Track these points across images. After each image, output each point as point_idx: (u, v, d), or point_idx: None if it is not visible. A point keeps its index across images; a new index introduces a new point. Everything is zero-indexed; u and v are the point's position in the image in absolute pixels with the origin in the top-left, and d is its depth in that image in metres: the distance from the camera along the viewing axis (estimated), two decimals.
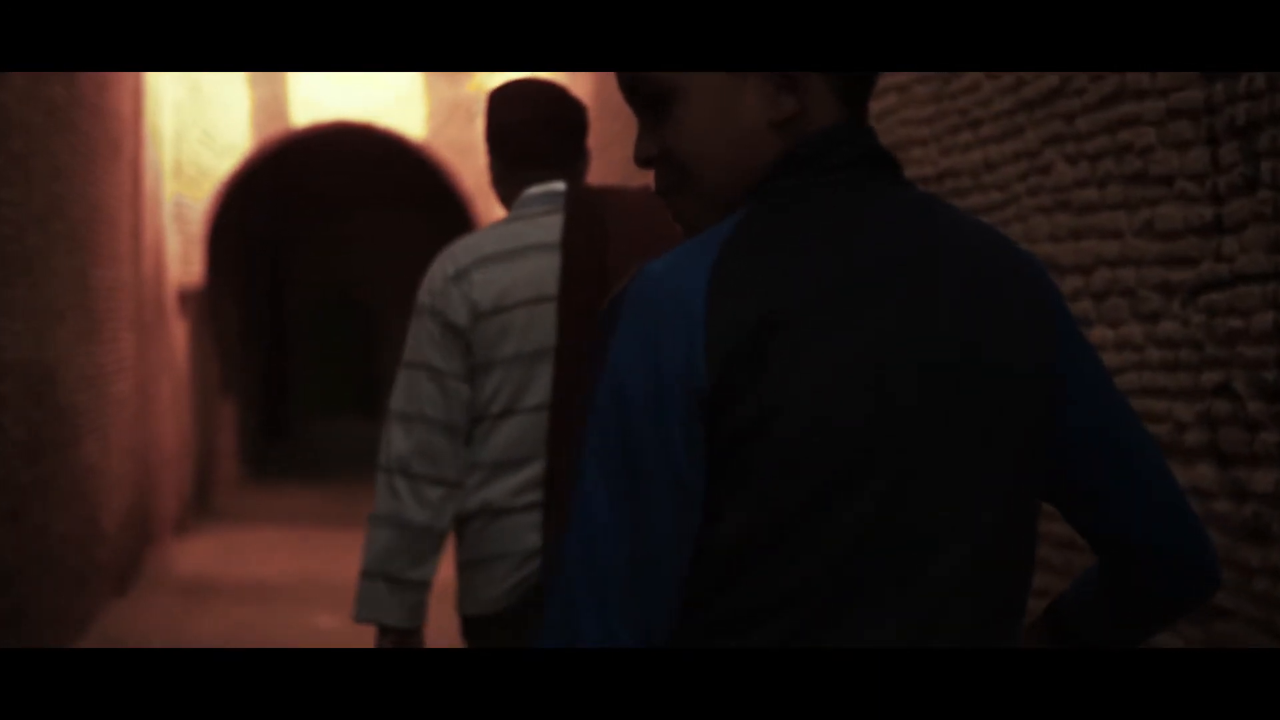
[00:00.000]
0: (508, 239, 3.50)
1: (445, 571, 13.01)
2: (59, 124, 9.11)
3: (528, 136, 3.56)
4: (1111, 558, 1.85)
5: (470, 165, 15.84)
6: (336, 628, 10.34)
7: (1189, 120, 4.45)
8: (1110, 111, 4.90)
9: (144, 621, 10.56)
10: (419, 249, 26.32)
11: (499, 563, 3.45)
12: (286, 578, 12.65)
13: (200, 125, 15.37)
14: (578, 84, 14.70)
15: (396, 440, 3.48)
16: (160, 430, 13.89)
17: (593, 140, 14.16)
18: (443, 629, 10.40)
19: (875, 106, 6.77)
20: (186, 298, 15.77)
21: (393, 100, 15.72)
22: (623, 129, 12.71)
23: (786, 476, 1.61)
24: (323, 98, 15.64)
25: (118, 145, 11.51)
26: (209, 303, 17.94)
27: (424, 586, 3.53)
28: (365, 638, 10.00)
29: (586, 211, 3.41)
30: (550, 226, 3.51)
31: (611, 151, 13.22)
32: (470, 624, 3.50)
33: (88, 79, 10.15)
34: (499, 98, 3.60)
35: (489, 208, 15.95)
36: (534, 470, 3.45)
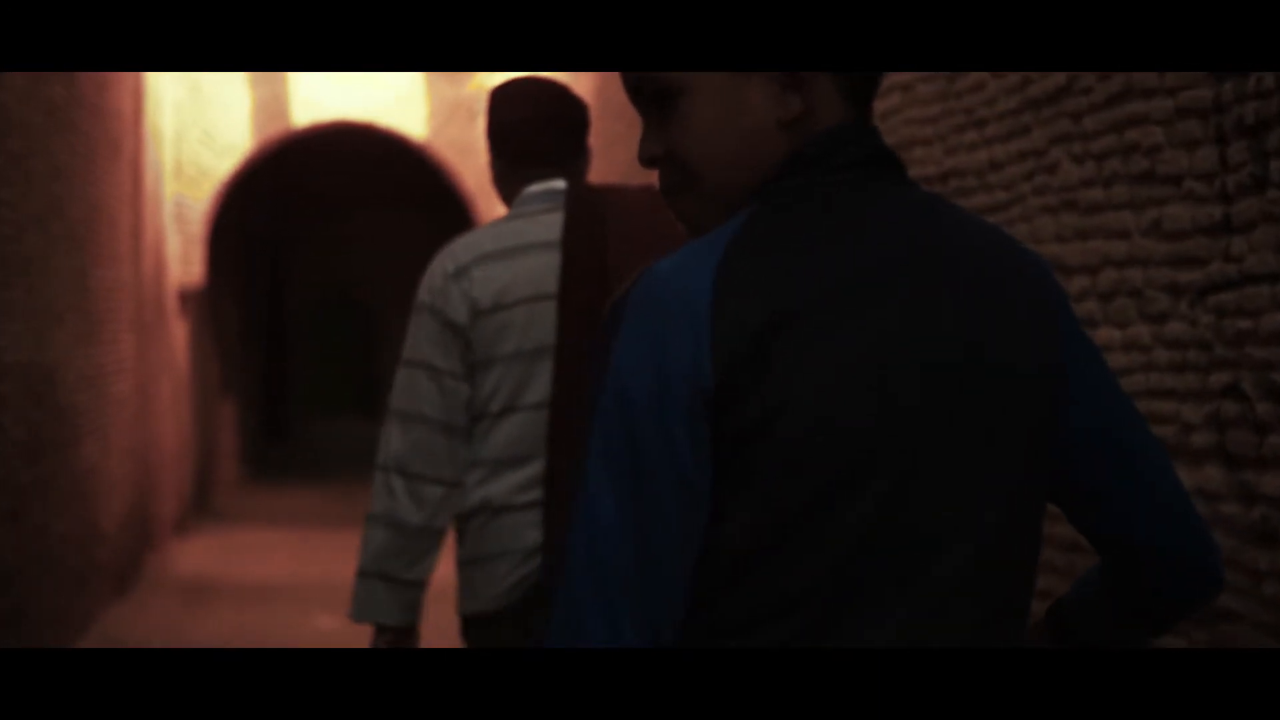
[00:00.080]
0: (508, 237, 3.51)
1: (444, 571, 13.00)
2: (59, 124, 9.09)
3: (528, 135, 3.57)
4: (1114, 558, 1.85)
5: (471, 165, 15.82)
6: (336, 628, 10.33)
7: (1197, 119, 4.43)
8: (1117, 110, 4.87)
9: (144, 622, 10.54)
10: (419, 249, 26.31)
11: (500, 561, 3.45)
12: (287, 578, 12.64)
13: (200, 125, 15.35)
14: (579, 84, 14.68)
15: (395, 439, 3.49)
16: (160, 430, 13.87)
17: (594, 140, 14.15)
18: (442, 629, 10.38)
19: (879, 106, 6.75)
20: (186, 298, 15.75)
21: (393, 100, 15.70)
22: (625, 129, 12.69)
23: (790, 476, 1.60)
24: (323, 98, 15.62)
25: (118, 145, 11.49)
26: (209, 303, 17.93)
27: (420, 586, 3.53)
28: (365, 639, 9.98)
29: (587, 210, 3.41)
30: (551, 224, 3.51)
31: (613, 151, 13.20)
32: (470, 623, 3.50)
33: (88, 79, 10.13)
34: (500, 96, 3.60)
35: (490, 208, 15.94)
36: (535, 468, 3.45)
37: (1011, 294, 1.71)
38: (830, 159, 1.70)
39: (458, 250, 3.51)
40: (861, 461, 1.62)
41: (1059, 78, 5.24)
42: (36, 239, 8.38)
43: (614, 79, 13.15)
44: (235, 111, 15.45)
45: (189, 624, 10.51)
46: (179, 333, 15.31)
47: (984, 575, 1.67)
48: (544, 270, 3.47)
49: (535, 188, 3.57)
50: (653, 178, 11.36)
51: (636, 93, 1.76)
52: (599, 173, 13.92)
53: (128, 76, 12.13)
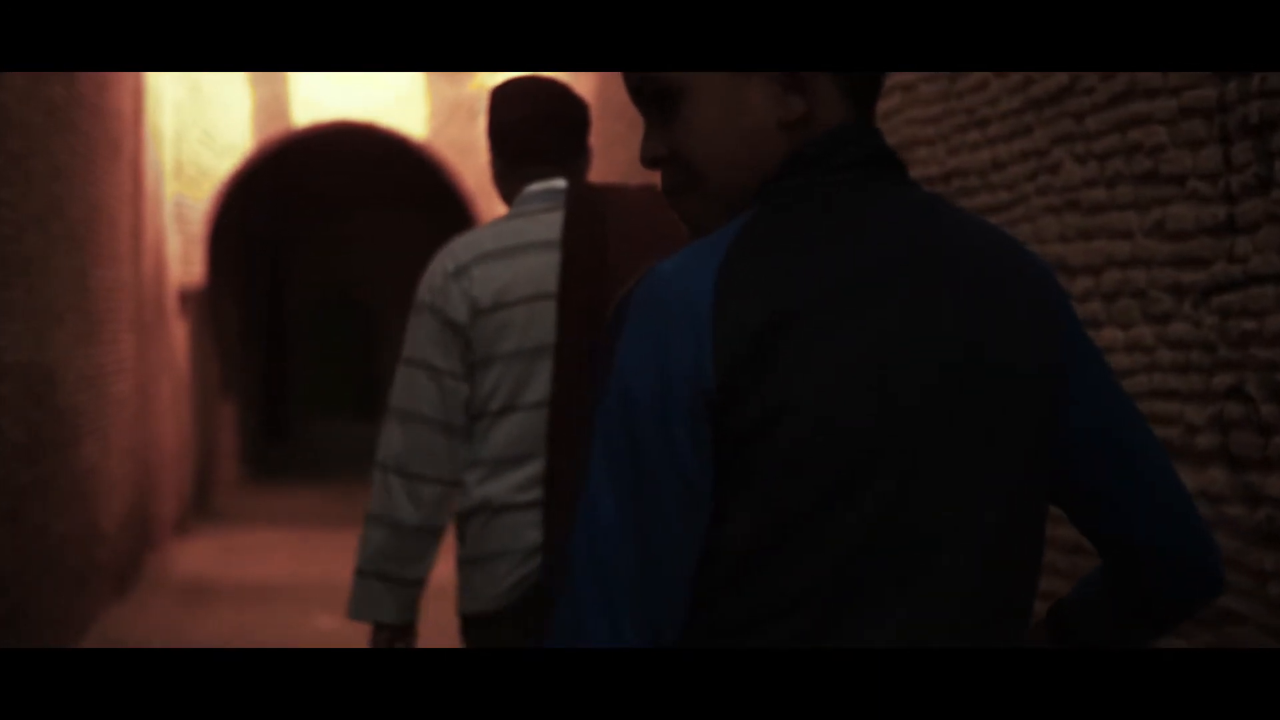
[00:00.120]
0: (508, 236, 3.51)
1: (444, 570, 12.98)
2: (58, 124, 9.07)
3: (528, 134, 3.58)
4: (1114, 559, 1.85)
5: (471, 165, 15.81)
6: (336, 629, 10.32)
7: (1201, 119, 4.41)
8: (1120, 110, 4.86)
9: (144, 623, 10.53)
10: (419, 249, 26.29)
11: (500, 560, 3.45)
12: (286, 578, 12.63)
13: (200, 125, 15.34)
14: (580, 84, 14.67)
15: (394, 438, 3.50)
16: (160, 431, 13.86)
17: (594, 140, 14.13)
18: (442, 628, 10.37)
19: (881, 106, 6.73)
20: (187, 298, 15.74)
21: (394, 100, 15.69)
22: (625, 129, 12.67)
23: (791, 477, 1.61)
24: (323, 98, 15.61)
25: (118, 145, 11.48)
26: (209, 303, 17.91)
27: (418, 584, 3.55)
28: (365, 639, 9.95)
29: (587, 209, 3.41)
30: (551, 223, 3.52)
31: (614, 152, 13.19)
32: (470, 623, 3.50)
33: (88, 79, 10.11)
34: (500, 95, 3.61)
35: (490, 207, 15.93)
36: (535, 467, 3.45)
37: (1012, 294, 1.71)
38: (831, 159, 1.70)
39: (458, 249, 3.52)
40: (862, 462, 1.62)
41: (1061, 77, 5.22)
42: (36, 239, 8.37)
43: (614, 79, 13.13)
44: (235, 111, 15.43)
45: (189, 624, 10.50)
46: (179, 333, 15.30)
47: (985, 576, 1.67)
48: (544, 269, 3.48)
49: (535, 187, 3.58)
50: (653, 177, 11.34)
51: (638, 94, 1.76)
52: (599, 173, 13.91)
53: (128, 76, 12.11)
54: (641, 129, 12.02)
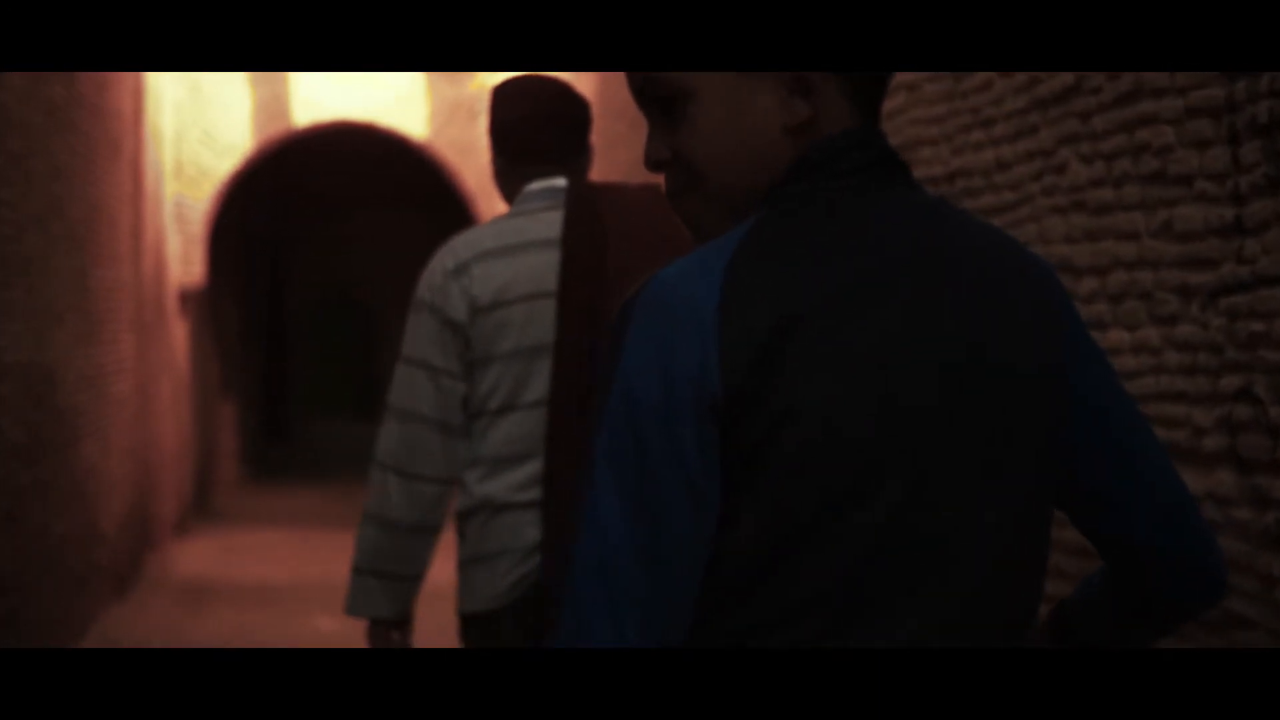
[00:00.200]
0: (508, 234, 3.52)
1: (444, 570, 12.97)
2: (58, 124, 9.05)
3: (528, 132, 3.59)
4: (1115, 559, 1.85)
5: (472, 165, 15.79)
6: (336, 630, 10.31)
7: (1209, 119, 4.39)
8: (1127, 110, 4.83)
9: (144, 624, 10.52)
10: (419, 249, 26.29)
11: (500, 559, 3.46)
12: (286, 579, 12.61)
13: (201, 125, 15.32)
14: (581, 84, 14.66)
15: (391, 437, 3.51)
16: (160, 431, 13.84)
17: (596, 140, 14.11)
18: (442, 628, 10.36)
19: (885, 106, 6.71)
20: (187, 298, 15.72)
21: (394, 100, 15.67)
22: (626, 130, 12.65)
23: (799, 482, 1.60)
24: (324, 98, 15.59)
25: (118, 145, 11.46)
26: (209, 303, 17.90)
27: (415, 580, 3.58)
28: (365, 640, 9.93)
29: (587, 208, 3.42)
30: (551, 222, 3.54)
31: (615, 152, 13.17)
32: (470, 622, 3.51)
33: (87, 79, 10.09)
34: (501, 94, 3.62)
35: (490, 207, 15.91)
36: (535, 466, 3.47)
37: (1014, 294, 1.71)
38: (836, 164, 1.70)
39: (458, 247, 3.53)
40: (869, 466, 1.62)
41: (1067, 77, 5.20)
42: (36, 239, 8.35)
43: (615, 79, 13.11)
44: (235, 111, 15.41)
45: (189, 625, 10.49)
46: (179, 333, 15.28)
47: (993, 579, 1.67)
48: (544, 268, 3.49)
49: (536, 185, 3.60)
50: (654, 177, 11.32)
51: (643, 96, 1.76)
52: (600, 172, 13.89)
53: (128, 76, 12.09)
54: (643, 129, 12.00)
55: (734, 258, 1.64)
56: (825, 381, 1.61)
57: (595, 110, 14.13)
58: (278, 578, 12.73)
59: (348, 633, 10.23)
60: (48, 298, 8.65)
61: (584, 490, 1.62)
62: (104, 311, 10.67)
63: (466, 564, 3.51)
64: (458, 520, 3.56)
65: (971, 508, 1.66)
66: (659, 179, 10.03)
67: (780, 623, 1.62)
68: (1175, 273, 4.60)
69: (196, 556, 14.01)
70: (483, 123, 15.84)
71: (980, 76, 5.85)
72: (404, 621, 3.60)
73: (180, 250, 15.29)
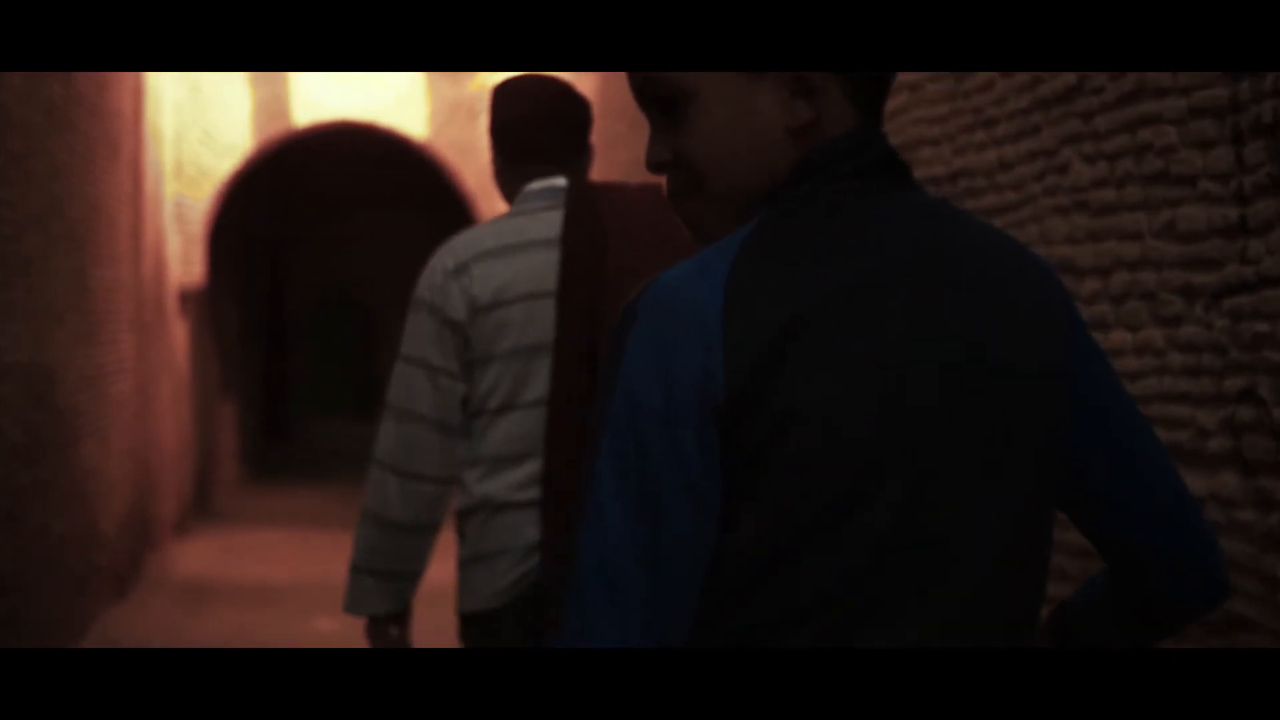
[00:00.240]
0: (508, 234, 3.53)
1: (445, 570, 12.96)
2: (57, 124, 9.04)
3: (528, 132, 3.60)
4: (1115, 560, 1.85)
5: (472, 165, 15.78)
6: (336, 630, 10.30)
7: (1212, 119, 4.37)
8: (1130, 110, 4.81)
9: (143, 624, 10.51)
10: (419, 249, 26.28)
11: (500, 558, 3.47)
12: (286, 580, 12.60)
13: (201, 125, 15.30)
14: (582, 83, 14.64)
15: (390, 436, 3.53)
16: (160, 431, 13.83)
17: (596, 140, 14.10)
18: (442, 628, 10.35)
19: (887, 105, 6.69)
20: (187, 298, 15.71)
21: (394, 100, 15.66)
22: (626, 129, 12.64)
23: (802, 485, 1.60)
24: (324, 97, 15.58)
25: (117, 145, 11.44)
26: (209, 303, 17.89)
27: (413, 577, 3.60)
28: (365, 642, 9.92)
29: (587, 207, 3.43)
30: (551, 222, 3.55)
31: (615, 152, 13.16)
32: (470, 621, 3.52)
33: (86, 78, 10.08)
34: (502, 93, 3.63)
35: (490, 207, 15.90)
36: (534, 465, 3.47)
37: (1014, 294, 1.71)
38: (838, 166, 1.70)
39: (458, 247, 3.54)
40: (872, 468, 1.62)
41: (1069, 76, 5.18)
42: (36, 239, 8.33)
43: (615, 79, 13.10)
44: (235, 111, 15.40)
45: (189, 625, 10.48)
46: (179, 333, 15.27)
47: (996, 580, 1.67)
48: (544, 267, 3.50)
49: (536, 185, 3.60)
50: (654, 177, 11.31)
51: (644, 96, 1.76)
52: (600, 172, 13.88)
53: (127, 76, 12.08)
54: (643, 129, 11.99)
55: (736, 260, 1.64)
56: (827, 382, 1.61)
57: (595, 110, 14.11)
58: (278, 578, 12.72)
59: (348, 633, 10.22)
60: (47, 298, 8.64)
61: (586, 492, 1.62)
62: (104, 311, 10.66)
63: (466, 563, 3.52)
64: (457, 520, 3.56)
65: (972, 508, 1.66)
66: (659, 179, 10.02)
67: (783, 624, 1.62)
68: (1179, 273, 4.58)
69: (196, 557, 14.00)
70: (483, 123, 15.83)
71: (982, 76, 5.84)
72: (402, 615, 3.62)
73: (180, 250, 15.28)
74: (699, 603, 1.64)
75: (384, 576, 3.58)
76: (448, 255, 3.53)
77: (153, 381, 13.36)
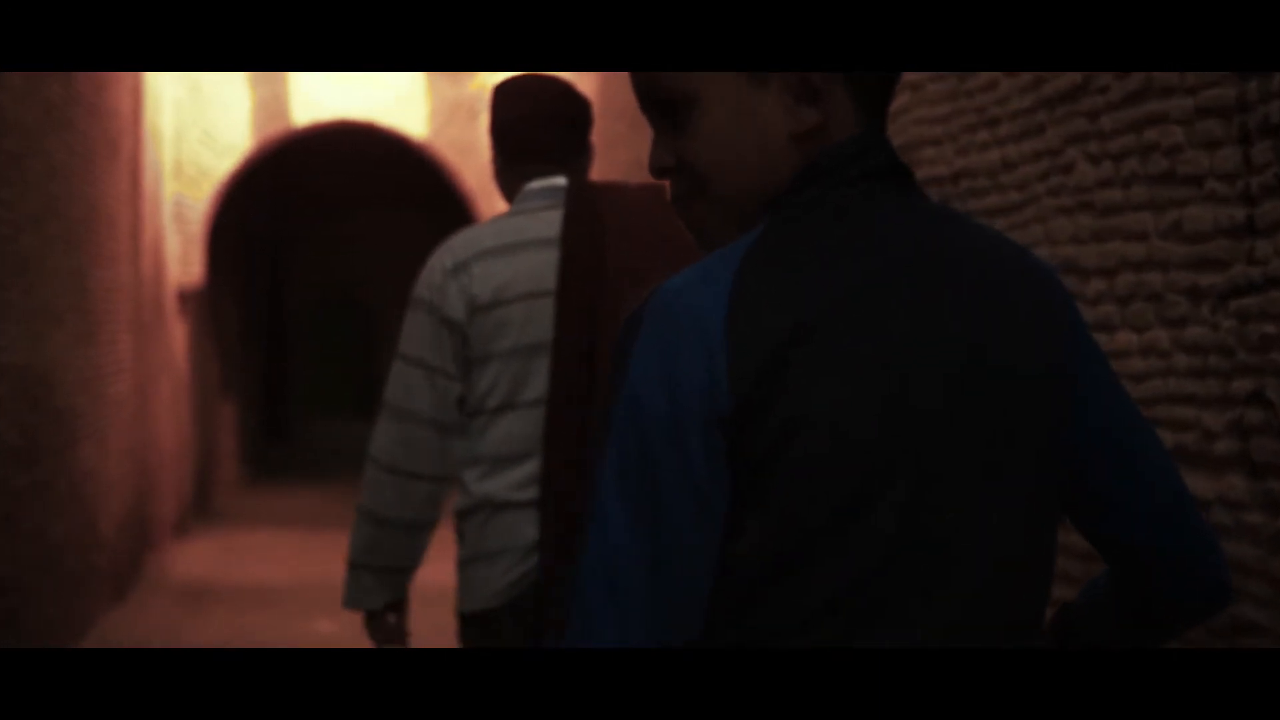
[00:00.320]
0: (508, 233, 3.54)
1: (444, 571, 12.95)
2: (56, 123, 9.01)
3: (528, 132, 3.61)
4: (1114, 560, 1.86)
5: (472, 165, 15.76)
6: (336, 631, 10.29)
7: (1219, 118, 4.34)
8: (1135, 109, 4.78)
9: (143, 626, 10.49)
10: (419, 249, 26.27)
11: (500, 558, 3.48)
12: (286, 581, 12.59)
13: (200, 125, 15.28)
14: (582, 83, 14.63)
15: (386, 434, 3.55)
16: (159, 432, 13.81)
17: (596, 140, 14.09)
18: (442, 629, 10.34)
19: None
20: (186, 298, 15.69)
21: (394, 100, 15.64)
22: (626, 129, 12.62)
23: (808, 491, 1.60)
24: (323, 97, 15.56)
25: (116, 145, 11.42)
26: (209, 303, 17.87)
27: (410, 570, 3.65)
28: (364, 642, 9.93)
29: (587, 207, 3.44)
30: (551, 221, 3.55)
31: (615, 152, 13.14)
32: (469, 621, 3.53)
33: (85, 78, 10.05)
34: (502, 93, 3.64)
35: (490, 207, 15.89)
36: (534, 465, 3.48)
37: (1015, 296, 1.71)
38: (844, 171, 1.70)
39: (457, 246, 3.55)
40: (876, 472, 1.62)
41: (1074, 75, 5.15)
42: (34, 239, 8.31)
43: (616, 79, 13.08)
44: (235, 111, 15.38)
45: (188, 627, 10.46)
46: (178, 333, 15.25)
47: (1001, 582, 1.67)
48: (543, 267, 3.50)
49: (536, 184, 3.61)
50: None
51: (649, 101, 1.75)
52: (600, 172, 13.86)
53: (126, 76, 12.05)
54: (643, 129, 11.97)
55: (740, 267, 1.64)
56: (832, 387, 1.61)
57: (596, 110, 14.09)
58: (277, 578, 12.71)
59: (348, 634, 10.20)
60: (45, 298, 8.61)
61: (590, 499, 1.62)
62: (102, 312, 10.63)
63: (466, 563, 3.53)
64: (457, 519, 3.58)
65: (975, 510, 1.66)
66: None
67: (790, 629, 1.62)
68: (1185, 274, 4.55)
69: (196, 557, 13.99)
70: (483, 123, 15.81)
71: (985, 75, 5.81)
72: (399, 603, 3.67)
73: (179, 250, 15.25)
74: (706, 608, 1.64)
75: (381, 572, 3.62)
76: (447, 254, 3.54)
77: (151, 382, 13.34)
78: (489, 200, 15.88)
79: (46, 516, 8.55)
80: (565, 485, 3.32)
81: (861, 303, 1.63)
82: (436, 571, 13.13)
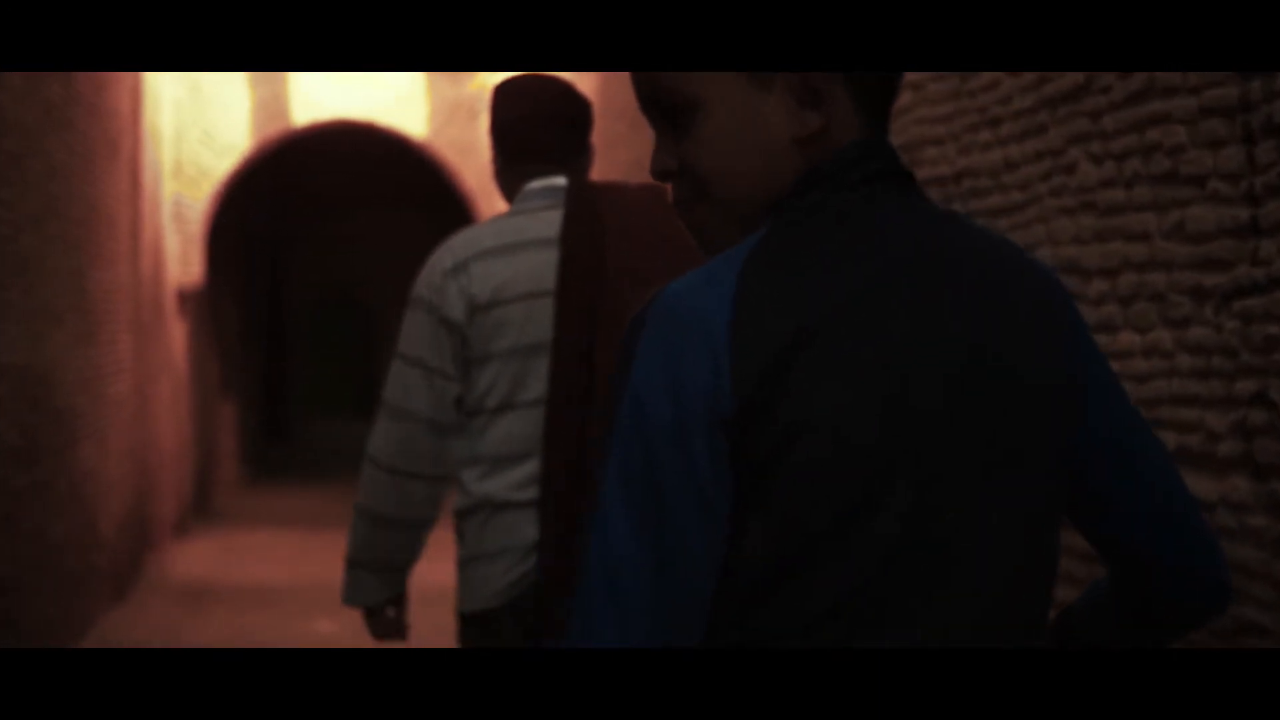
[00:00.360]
0: (507, 233, 3.54)
1: (443, 572, 12.94)
2: (56, 123, 9.00)
3: (528, 131, 3.61)
4: (1114, 561, 1.86)
5: (472, 165, 15.76)
6: (336, 631, 10.28)
7: (1222, 118, 4.33)
8: (1138, 109, 4.77)
9: (142, 627, 10.49)
10: (419, 249, 26.27)
11: (500, 558, 3.48)
12: (286, 581, 12.59)
13: (200, 125, 15.27)
14: (582, 84, 14.63)
15: (384, 433, 3.56)
16: (159, 432, 13.80)
17: (596, 140, 14.08)
18: (442, 628, 10.33)
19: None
20: (186, 298, 15.68)
21: (394, 100, 15.63)
22: (626, 129, 12.62)
23: (811, 494, 1.61)
24: (323, 97, 15.55)
25: (116, 145, 11.41)
26: (208, 303, 17.86)
27: (408, 565, 3.68)
28: (364, 643, 9.92)
29: (587, 207, 3.44)
30: (551, 221, 3.56)
31: (615, 152, 13.13)
32: (469, 621, 3.54)
33: (85, 77, 10.04)
34: (502, 93, 3.64)
35: (490, 207, 15.88)
36: (534, 465, 3.49)
37: (1015, 297, 1.71)
38: (847, 175, 1.70)
39: (457, 246, 3.55)
40: (878, 475, 1.62)
41: (1077, 75, 5.14)
42: (33, 239, 8.30)
43: (616, 79, 13.07)
44: (235, 111, 15.37)
45: (188, 626, 10.46)
46: (178, 333, 15.24)
47: (1004, 584, 1.67)
48: (543, 267, 3.51)
49: (536, 184, 3.62)
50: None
51: (651, 105, 1.75)
52: (600, 173, 13.86)
53: (126, 75, 12.04)
54: (643, 129, 11.96)
55: (743, 271, 1.64)
56: (835, 390, 1.61)
57: (596, 110, 14.09)
58: (277, 579, 12.70)
59: (347, 634, 10.20)
60: (45, 298, 8.60)
61: (593, 501, 1.62)
62: (102, 312, 10.63)
63: (466, 563, 3.53)
64: (456, 519, 3.58)
65: (976, 511, 1.66)
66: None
67: (792, 631, 1.62)
68: (1188, 274, 4.54)
69: (196, 557, 13.98)
70: (483, 123, 15.81)
71: (987, 75, 5.80)
72: (398, 597, 3.71)
73: (179, 250, 15.25)
74: (708, 610, 1.64)
75: (379, 569, 3.65)
76: (446, 254, 3.54)
77: (151, 382, 13.33)
78: (489, 200, 15.87)
79: (46, 516, 8.54)
80: (565, 485, 3.32)
81: (863, 306, 1.63)
82: (436, 571, 13.12)
